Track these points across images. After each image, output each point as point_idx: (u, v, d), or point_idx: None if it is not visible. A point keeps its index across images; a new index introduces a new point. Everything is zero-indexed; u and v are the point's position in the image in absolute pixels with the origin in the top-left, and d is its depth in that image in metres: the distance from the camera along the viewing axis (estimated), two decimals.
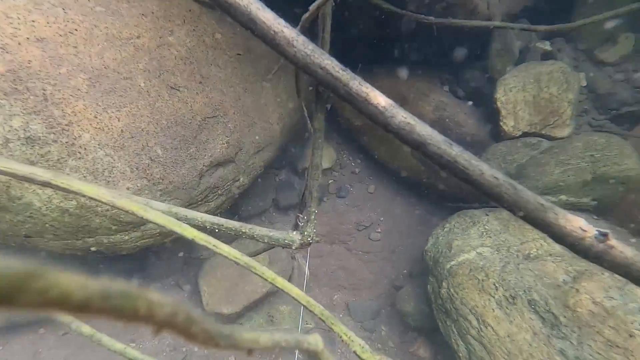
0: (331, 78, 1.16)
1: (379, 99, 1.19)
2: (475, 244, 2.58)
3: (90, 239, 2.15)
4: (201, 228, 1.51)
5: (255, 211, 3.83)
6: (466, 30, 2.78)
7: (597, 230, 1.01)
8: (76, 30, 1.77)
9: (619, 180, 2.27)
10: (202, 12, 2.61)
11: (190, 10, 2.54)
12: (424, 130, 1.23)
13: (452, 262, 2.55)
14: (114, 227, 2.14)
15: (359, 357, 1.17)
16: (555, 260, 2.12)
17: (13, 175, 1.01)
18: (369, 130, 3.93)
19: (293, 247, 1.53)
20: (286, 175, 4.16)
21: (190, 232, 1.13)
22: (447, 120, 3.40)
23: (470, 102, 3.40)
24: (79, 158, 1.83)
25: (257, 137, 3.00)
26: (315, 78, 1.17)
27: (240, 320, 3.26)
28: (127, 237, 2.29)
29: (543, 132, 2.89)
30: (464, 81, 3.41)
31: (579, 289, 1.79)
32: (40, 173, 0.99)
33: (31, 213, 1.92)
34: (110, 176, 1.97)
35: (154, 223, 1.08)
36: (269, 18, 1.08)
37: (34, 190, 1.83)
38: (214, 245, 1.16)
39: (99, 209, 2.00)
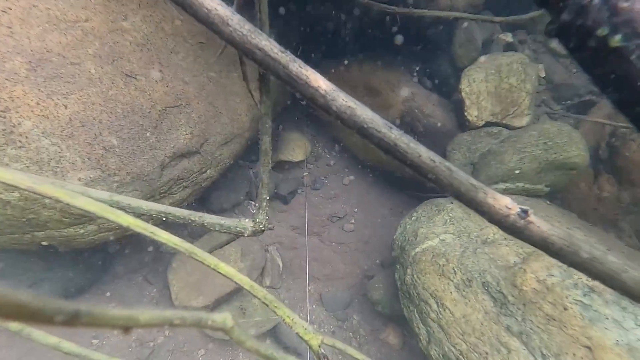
0: (270, 60, 1.13)
1: (320, 82, 1.18)
2: (439, 231, 2.65)
3: (40, 233, 2.05)
4: (147, 217, 1.47)
5: (228, 205, 3.77)
6: (431, 21, 2.82)
7: (519, 208, 1.05)
8: (10, 9, 1.65)
9: (568, 166, 2.39)
10: None
11: None
12: (364, 113, 1.23)
13: (417, 249, 2.62)
14: (65, 220, 2.05)
15: (301, 338, 1.18)
16: (508, 244, 2.22)
17: None
18: None
19: (245, 235, 1.52)
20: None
21: (124, 219, 1.09)
22: (416, 110, 3.46)
23: (438, 93, 3.46)
24: (20, 147, 1.73)
25: (224, 128, 2.94)
26: (254, 60, 1.14)
27: None
28: (82, 231, 2.20)
29: (504, 121, 3.00)
30: (432, 72, 3.46)
31: (525, 269, 1.88)
32: None
33: None
34: (57, 166, 1.88)
35: (84, 210, 1.04)
36: None
37: None
38: (151, 232, 1.13)
39: (47, 201, 1.90)
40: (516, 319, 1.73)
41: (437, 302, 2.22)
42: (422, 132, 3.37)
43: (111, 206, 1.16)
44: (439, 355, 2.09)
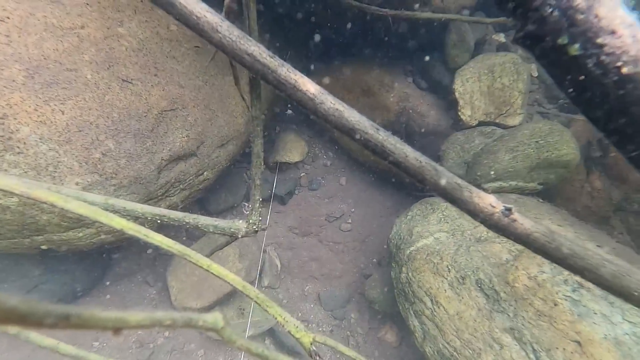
0: (259, 65, 1.17)
1: (308, 86, 1.21)
2: (433, 230, 2.68)
3: (39, 237, 2.09)
4: (143, 220, 1.50)
5: (225, 206, 3.81)
6: (422, 22, 2.85)
7: (503, 206, 1.09)
8: (8, 18, 1.69)
9: (560, 164, 2.42)
10: None
11: (142, 1, 2.46)
12: (352, 115, 1.26)
13: (412, 248, 2.65)
14: (63, 224, 2.08)
15: (293, 336, 1.21)
16: (501, 241, 2.25)
17: None
18: None
19: (239, 236, 1.55)
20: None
21: (117, 222, 1.12)
22: (410, 111, 3.49)
23: (432, 94, 3.49)
24: (18, 153, 1.77)
25: (220, 131, 2.98)
26: (244, 65, 1.18)
27: None
28: (80, 234, 2.23)
29: (497, 120, 3.03)
30: (426, 72, 3.50)
31: (517, 266, 1.91)
32: None
33: None
34: (55, 171, 1.91)
35: (77, 213, 1.07)
36: (189, 2, 1.08)
37: None
38: (144, 235, 1.16)
39: (45, 205, 1.93)
40: (508, 315, 1.76)
41: (431, 300, 2.26)
42: (416, 132, 3.41)
43: (106, 210, 1.20)
44: (433, 352, 2.13)
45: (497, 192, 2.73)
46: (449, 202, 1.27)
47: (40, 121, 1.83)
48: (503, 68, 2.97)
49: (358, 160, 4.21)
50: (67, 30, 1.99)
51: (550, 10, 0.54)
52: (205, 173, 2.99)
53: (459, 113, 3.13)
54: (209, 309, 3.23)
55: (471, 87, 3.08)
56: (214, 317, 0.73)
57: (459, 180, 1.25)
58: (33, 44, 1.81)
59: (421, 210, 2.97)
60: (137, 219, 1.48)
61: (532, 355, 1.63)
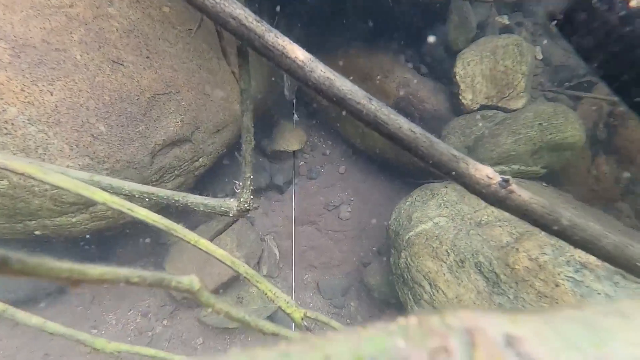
0: (245, 29, 1.10)
1: (297, 53, 1.15)
2: (432, 215, 2.63)
3: (32, 222, 2.06)
4: (129, 198, 1.46)
5: (223, 194, 3.77)
6: (425, 4, 2.75)
7: (500, 177, 1.03)
8: None
9: (564, 147, 2.34)
10: None
11: None
12: (343, 84, 1.20)
13: (411, 233, 2.60)
14: (56, 209, 2.06)
15: (284, 311, 1.18)
16: (502, 225, 2.19)
17: None
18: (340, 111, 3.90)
19: (230, 215, 1.51)
20: (255, 157, 4.10)
21: (99, 196, 1.08)
22: (410, 96, 3.41)
23: (433, 79, 3.41)
24: (6, 134, 1.73)
25: (215, 116, 2.92)
26: (229, 30, 1.11)
27: None
28: (74, 220, 2.21)
29: (499, 104, 2.94)
30: (426, 57, 3.41)
31: (518, 248, 1.86)
32: None
33: None
34: (45, 153, 1.88)
35: (57, 186, 1.03)
36: None
37: None
38: (128, 209, 1.12)
39: (36, 188, 1.91)
40: (508, 297, 1.72)
41: (430, 284, 2.21)
42: (417, 117, 3.33)
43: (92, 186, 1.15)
44: None
45: None
46: (444, 175, 1.21)
47: (28, 102, 1.79)
48: (506, 50, 2.87)
49: (357, 149, 4.15)
50: (55, 8, 1.93)
51: None
52: (201, 159, 2.95)
53: (460, 97, 3.04)
54: None
55: (472, 70, 2.99)
56: (190, 279, 0.68)
57: (455, 152, 1.19)
58: (19, 22, 1.76)
59: (421, 196, 2.91)
60: (124, 197, 1.45)
61: None
